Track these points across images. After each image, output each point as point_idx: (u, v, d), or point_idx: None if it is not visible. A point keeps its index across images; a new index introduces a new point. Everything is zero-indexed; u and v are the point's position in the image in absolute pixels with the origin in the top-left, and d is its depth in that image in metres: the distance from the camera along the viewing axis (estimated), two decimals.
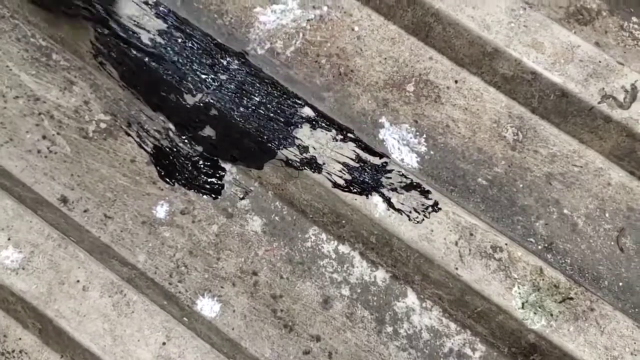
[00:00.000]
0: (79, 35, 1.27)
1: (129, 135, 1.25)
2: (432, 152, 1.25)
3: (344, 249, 1.20)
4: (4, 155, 1.19)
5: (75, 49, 1.29)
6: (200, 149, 1.24)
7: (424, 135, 1.26)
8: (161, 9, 1.26)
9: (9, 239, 1.08)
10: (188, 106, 1.23)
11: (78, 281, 1.07)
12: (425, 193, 1.17)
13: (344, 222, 1.19)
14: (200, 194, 1.22)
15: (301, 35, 1.32)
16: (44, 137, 1.22)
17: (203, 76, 1.22)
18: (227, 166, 1.24)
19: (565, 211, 1.22)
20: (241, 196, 1.22)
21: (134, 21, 1.24)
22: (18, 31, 1.30)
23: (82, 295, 1.06)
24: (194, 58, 1.24)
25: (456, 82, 1.30)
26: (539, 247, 1.20)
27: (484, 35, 1.25)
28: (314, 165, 1.17)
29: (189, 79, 1.22)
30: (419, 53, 1.32)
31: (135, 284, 1.11)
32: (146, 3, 1.27)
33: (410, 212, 1.15)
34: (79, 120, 1.25)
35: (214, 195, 1.22)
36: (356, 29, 1.34)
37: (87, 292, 1.06)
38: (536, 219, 1.22)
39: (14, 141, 1.21)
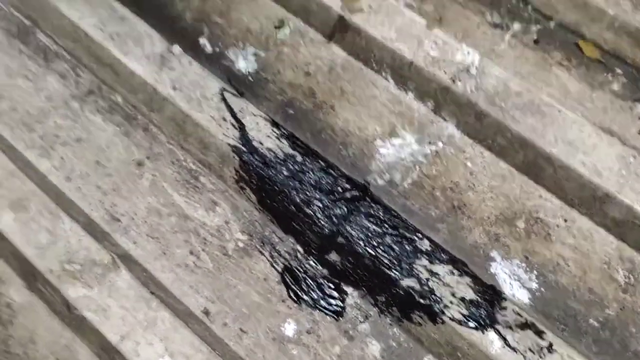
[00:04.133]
0: (224, 162, 1.47)
1: (262, 254, 1.40)
2: (542, 290, 1.32)
3: None
4: (158, 268, 1.38)
5: (220, 174, 1.49)
6: (325, 271, 1.37)
7: (535, 272, 1.33)
8: (295, 141, 1.45)
9: (166, 349, 1.24)
10: (317, 232, 1.37)
11: None
12: (539, 333, 1.23)
13: (459, 354, 1.26)
14: (324, 315, 1.34)
15: (418, 168, 1.46)
16: (191, 253, 1.40)
17: (333, 209, 1.37)
18: (349, 290, 1.36)
19: None
20: (361, 320, 1.33)
21: (272, 152, 1.43)
22: (172, 155, 1.52)
23: None
24: (321, 188, 1.40)
25: (565, 220, 1.38)
26: None
27: (595, 180, 1.33)
28: (431, 297, 1.27)
29: (317, 207, 1.38)
30: (529, 191, 1.42)
31: None
32: (282, 135, 1.47)
33: (525, 351, 1.21)
34: (220, 238, 1.42)
35: (336, 317, 1.33)
36: (469, 164, 1.46)
37: None
38: None
39: (167, 255, 1.40)
